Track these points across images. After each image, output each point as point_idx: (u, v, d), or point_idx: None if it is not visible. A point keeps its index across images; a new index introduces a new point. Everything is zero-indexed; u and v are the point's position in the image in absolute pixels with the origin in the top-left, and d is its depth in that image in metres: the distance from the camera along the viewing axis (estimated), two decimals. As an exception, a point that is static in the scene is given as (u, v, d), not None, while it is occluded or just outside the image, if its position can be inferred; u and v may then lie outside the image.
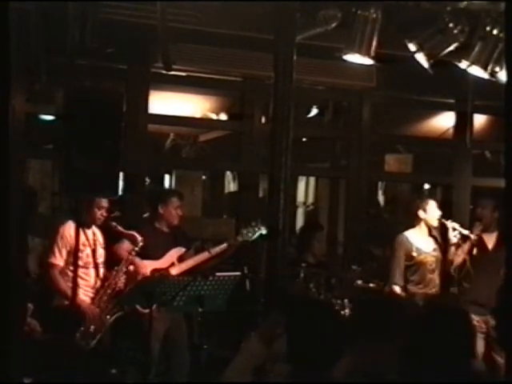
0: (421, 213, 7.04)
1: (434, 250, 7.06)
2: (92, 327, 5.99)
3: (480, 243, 6.88)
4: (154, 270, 6.35)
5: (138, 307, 6.01)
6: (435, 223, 7.08)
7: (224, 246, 6.56)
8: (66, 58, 6.57)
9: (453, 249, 6.99)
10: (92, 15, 6.25)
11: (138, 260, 6.33)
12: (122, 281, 6.19)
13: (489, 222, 6.88)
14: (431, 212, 7.06)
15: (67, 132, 5.20)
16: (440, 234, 7.16)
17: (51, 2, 6.17)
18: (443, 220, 7.08)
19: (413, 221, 7.14)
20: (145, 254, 6.35)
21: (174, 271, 6.39)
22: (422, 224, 7.07)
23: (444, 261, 7.08)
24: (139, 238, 6.21)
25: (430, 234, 7.11)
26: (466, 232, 6.98)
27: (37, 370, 5.63)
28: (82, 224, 5.94)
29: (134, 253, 6.22)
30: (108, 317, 6.08)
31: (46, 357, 5.64)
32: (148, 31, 6.58)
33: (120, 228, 6.21)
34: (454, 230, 7.00)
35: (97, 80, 6.91)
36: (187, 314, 6.45)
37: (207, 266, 6.35)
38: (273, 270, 5.98)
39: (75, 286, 5.43)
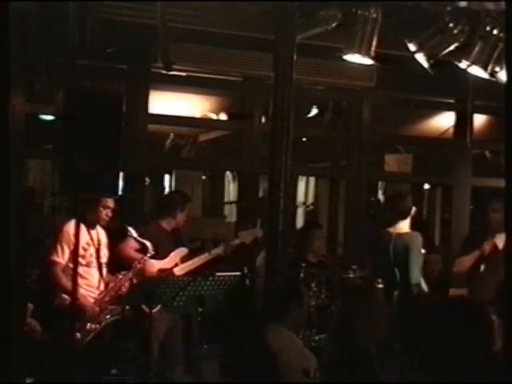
0: (413, 209, 7.06)
1: None
2: (88, 324, 6.00)
3: (491, 247, 6.84)
4: (160, 270, 6.38)
5: (144, 307, 6.00)
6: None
7: (222, 248, 6.62)
8: (66, 57, 6.58)
9: None
10: (92, 15, 6.25)
11: (148, 262, 6.35)
12: (125, 286, 6.20)
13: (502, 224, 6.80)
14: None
15: (67, 132, 5.19)
16: None
17: (51, 2, 6.17)
18: None
19: (401, 218, 7.13)
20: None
21: (177, 272, 6.40)
22: (408, 222, 7.07)
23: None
24: (151, 248, 6.23)
25: None
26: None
27: (37, 370, 5.63)
28: (86, 223, 5.96)
29: (143, 261, 6.25)
30: (108, 316, 6.08)
31: (46, 356, 5.64)
32: (148, 31, 6.59)
33: (135, 235, 6.22)
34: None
35: (97, 80, 6.91)
36: (187, 314, 6.44)
37: (208, 267, 6.37)
38: (273, 270, 5.98)
39: (76, 285, 5.41)
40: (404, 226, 7.02)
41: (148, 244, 6.27)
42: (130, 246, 6.37)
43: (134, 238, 6.27)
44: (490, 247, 6.67)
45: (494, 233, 6.75)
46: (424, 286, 6.76)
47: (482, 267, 6.72)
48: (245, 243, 6.76)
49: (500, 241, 6.81)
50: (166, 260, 6.45)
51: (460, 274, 6.90)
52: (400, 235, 6.98)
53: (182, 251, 6.58)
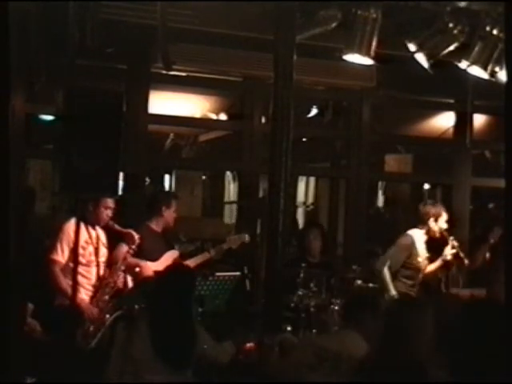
0: (431, 221, 7.06)
1: (426, 258, 7.14)
2: (91, 327, 5.99)
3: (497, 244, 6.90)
4: (155, 272, 6.36)
5: None
6: (437, 235, 7.13)
7: (214, 251, 6.68)
8: (66, 57, 6.57)
9: (439, 263, 7.10)
10: (92, 15, 6.24)
11: (142, 262, 6.34)
12: (120, 280, 6.19)
13: None
14: (440, 224, 7.10)
15: (67, 132, 5.19)
16: (433, 244, 7.25)
17: (51, 2, 6.17)
18: (447, 235, 7.15)
19: (415, 221, 7.20)
20: (140, 254, 6.36)
21: None
22: (425, 230, 7.11)
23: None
24: (136, 236, 6.21)
25: (426, 241, 7.17)
26: (462, 254, 7.08)
27: (37, 370, 5.63)
28: (86, 223, 5.95)
29: (131, 251, 6.23)
30: (107, 316, 6.07)
31: (46, 357, 5.64)
32: (148, 31, 6.58)
33: (117, 227, 6.21)
34: (454, 248, 7.08)
35: (97, 80, 6.91)
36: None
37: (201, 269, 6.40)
38: (273, 270, 5.98)
39: (76, 284, 5.41)
40: (416, 229, 7.10)
41: (132, 232, 6.24)
42: (122, 252, 6.34)
43: (117, 230, 6.24)
44: (496, 238, 6.74)
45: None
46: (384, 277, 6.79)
47: (488, 255, 6.81)
48: (232, 248, 6.78)
49: None
50: (158, 262, 6.43)
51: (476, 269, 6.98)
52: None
53: (173, 253, 6.59)
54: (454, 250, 7.10)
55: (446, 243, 7.14)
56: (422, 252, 7.11)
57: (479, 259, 7.04)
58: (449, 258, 7.12)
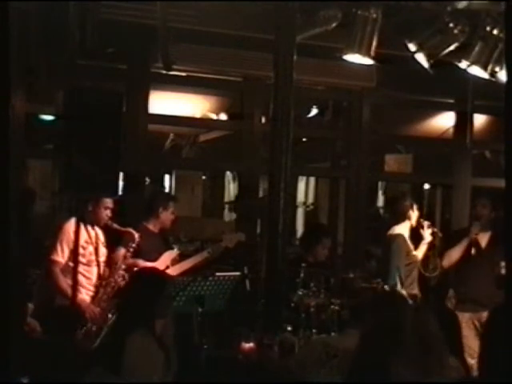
0: (411, 212, 7.13)
1: (415, 249, 7.17)
2: (94, 327, 5.99)
3: (475, 242, 6.88)
4: None
5: None
6: (415, 223, 7.19)
7: (206, 252, 6.65)
8: (66, 58, 6.58)
9: (425, 247, 7.11)
10: (92, 15, 6.25)
11: (140, 261, 6.35)
12: (121, 278, 6.19)
13: (486, 221, 6.84)
14: (415, 212, 7.18)
15: (67, 132, 5.19)
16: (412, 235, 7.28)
17: (51, 2, 6.17)
18: (421, 221, 7.20)
19: (401, 221, 7.22)
20: (138, 255, 6.36)
21: (169, 273, 6.40)
22: (408, 224, 7.14)
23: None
24: (136, 234, 6.21)
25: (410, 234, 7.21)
26: (435, 229, 7.12)
27: (37, 370, 5.63)
28: (85, 222, 5.95)
29: (131, 249, 6.23)
30: (110, 315, 6.07)
31: (46, 357, 5.64)
32: (148, 31, 6.59)
33: (116, 226, 6.21)
34: (429, 227, 7.11)
35: (97, 80, 6.91)
36: (187, 314, 6.44)
37: (199, 269, 6.40)
38: (273, 270, 5.98)
39: (76, 284, 5.41)
40: (398, 227, 7.09)
41: (131, 231, 6.24)
42: (122, 255, 6.34)
43: (116, 229, 6.24)
44: (477, 232, 6.73)
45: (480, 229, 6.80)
46: (399, 288, 6.76)
47: (473, 250, 6.78)
48: (228, 247, 6.77)
49: (483, 240, 6.83)
50: (157, 262, 6.43)
51: (449, 267, 6.92)
52: (390, 236, 7.08)
53: (172, 253, 6.58)
54: (430, 229, 7.15)
55: (420, 228, 7.20)
56: (411, 245, 7.17)
57: (457, 252, 6.94)
58: (430, 238, 7.15)
